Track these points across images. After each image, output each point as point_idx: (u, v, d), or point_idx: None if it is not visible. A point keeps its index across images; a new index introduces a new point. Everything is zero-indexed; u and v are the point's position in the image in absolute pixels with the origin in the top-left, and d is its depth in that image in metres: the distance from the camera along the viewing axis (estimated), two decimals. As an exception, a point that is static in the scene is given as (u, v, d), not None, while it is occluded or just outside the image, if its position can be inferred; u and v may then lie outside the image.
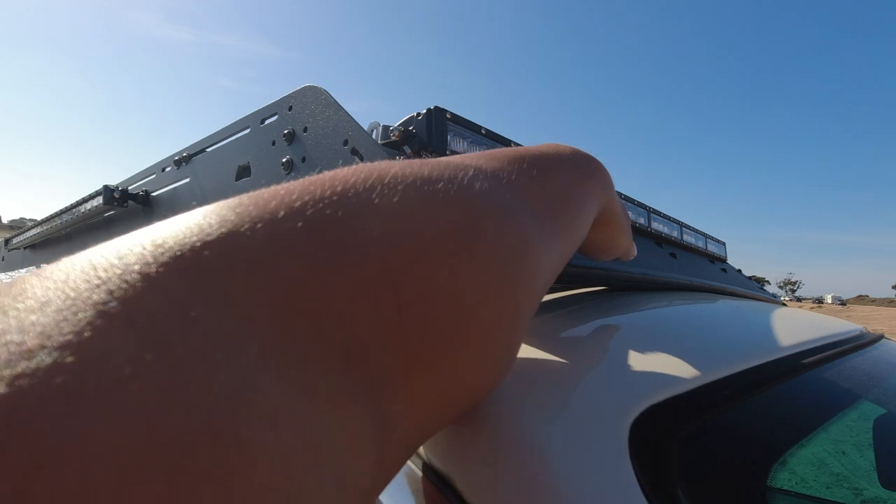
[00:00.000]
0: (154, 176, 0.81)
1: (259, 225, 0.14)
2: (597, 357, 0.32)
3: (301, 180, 0.17)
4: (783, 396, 0.41)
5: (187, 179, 0.71)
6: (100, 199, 0.86)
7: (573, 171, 0.29)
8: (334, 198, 0.16)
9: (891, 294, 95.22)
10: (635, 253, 0.43)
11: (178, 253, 0.13)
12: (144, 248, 0.13)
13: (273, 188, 0.17)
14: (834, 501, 0.40)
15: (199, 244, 0.13)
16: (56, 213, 1.12)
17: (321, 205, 0.16)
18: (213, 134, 0.68)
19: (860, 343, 0.61)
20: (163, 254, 0.13)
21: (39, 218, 1.31)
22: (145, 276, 0.12)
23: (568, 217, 0.26)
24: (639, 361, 0.32)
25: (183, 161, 0.72)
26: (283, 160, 0.53)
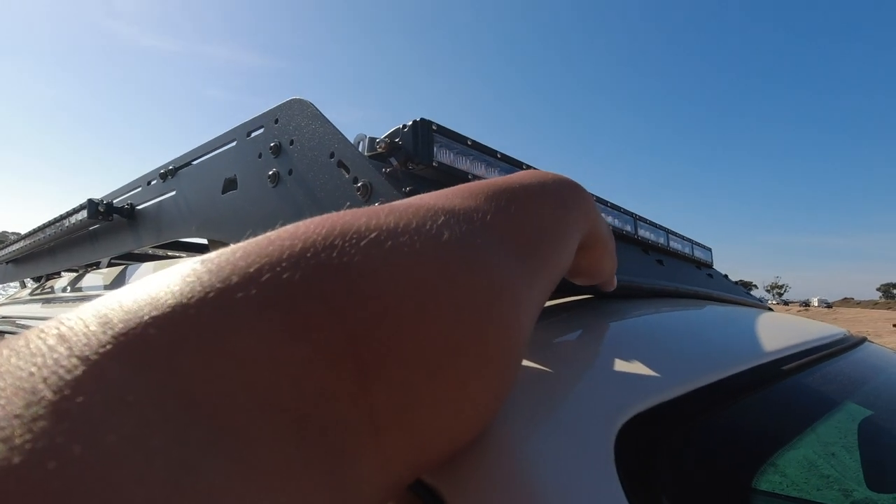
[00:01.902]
0: (139, 189, 0.80)
1: (210, 295, 0.14)
2: (582, 365, 0.32)
3: (263, 238, 0.17)
4: (768, 402, 0.42)
5: (173, 192, 0.71)
6: (84, 213, 0.85)
7: (554, 203, 0.29)
8: (291, 260, 0.15)
9: (875, 296, 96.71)
10: (615, 284, 0.43)
11: (122, 332, 0.12)
12: (88, 328, 0.12)
13: (238, 246, 0.16)
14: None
15: (146, 319, 0.13)
16: (40, 226, 1.10)
17: (277, 269, 0.15)
18: (199, 147, 0.67)
19: (844, 346, 0.62)
20: (105, 333, 0.12)
21: (23, 232, 1.29)
22: (83, 361, 0.11)
23: (549, 249, 0.26)
24: (624, 369, 0.32)
25: (169, 174, 0.72)
26: (270, 173, 0.53)
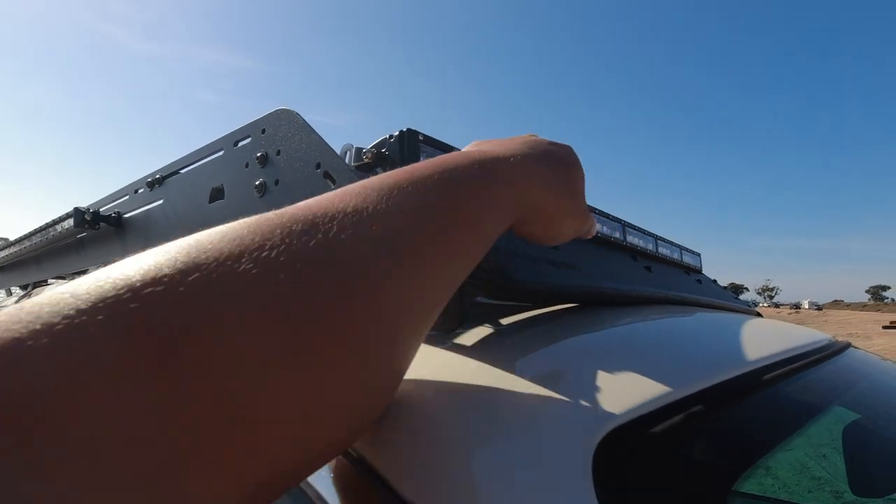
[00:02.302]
0: (127, 197, 0.80)
1: (38, 327, 0.14)
2: (558, 377, 0.32)
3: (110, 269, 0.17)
4: (752, 411, 0.42)
5: (160, 201, 0.70)
6: (71, 222, 0.85)
7: (468, 184, 0.28)
8: (128, 294, 0.16)
9: (864, 298, 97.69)
10: (595, 228, 0.43)
11: None
12: None
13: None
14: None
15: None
16: (26, 234, 1.09)
17: (116, 299, 0.15)
18: (187, 155, 0.67)
19: (828, 353, 0.62)
20: None
21: (10, 238, 1.27)
22: None
23: (446, 237, 0.25)
24: (604, 380, 0.32)
25: (156, 182, 0.71)
26: (257, 183, 0.53)
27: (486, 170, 0.30)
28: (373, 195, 0.23)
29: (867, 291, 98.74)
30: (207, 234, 0.19)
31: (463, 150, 0.36)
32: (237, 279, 0.17)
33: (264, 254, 0.18)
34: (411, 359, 0.24)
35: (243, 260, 0.17)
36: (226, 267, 0.17)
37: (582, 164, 0.39)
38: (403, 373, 0.24)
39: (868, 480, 0.51)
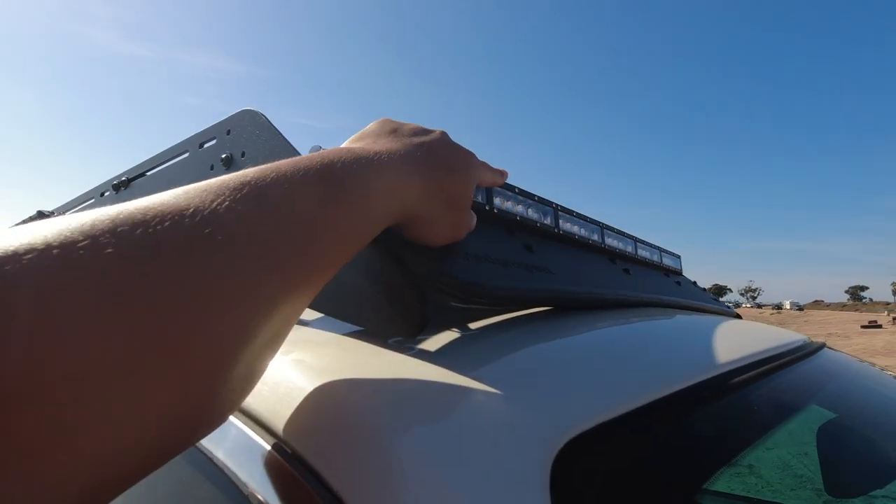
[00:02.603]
0: (92, 201, 0.78)
1: None
2: (520, 384, 0.31)
3: None
4: (725, 412, 0.41)
5: None
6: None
7: (319, 191, 0.25)
8: None
9: (843, 298, 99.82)
10: (472, 224, 0.40)
11: None
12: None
13: None
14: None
15: None
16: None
17: None
18: (153, 157, 0.66)
19: (803, 353, 0.62)
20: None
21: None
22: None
23: (294, 249, 0.23)
24: (568, 387, 0.31)
25: (122, 185, 0.69)
26: (221, 185, 0.51)
27: (350, 163, 0.28)
28: (210, 196, 0.22)
29: (846, 292, 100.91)
30: (65, 219, 0.18)
31: (330, 149, 0.32)
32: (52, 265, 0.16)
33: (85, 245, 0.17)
34: (247, 373, 0.22)
35: (68, 250, 0.17)
36: (48, 254, 0.16)
37: (467, 164, 0.37)
38: (235, 385, 0.22)
39: (841, 478, 0.51)
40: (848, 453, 0.57)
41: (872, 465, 0.55)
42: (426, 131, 0.37)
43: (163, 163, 0.63)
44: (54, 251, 0.16)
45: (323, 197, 0.25)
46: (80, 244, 0.17)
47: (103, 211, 0.19)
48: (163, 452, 0.20)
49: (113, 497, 0.19)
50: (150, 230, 0.19)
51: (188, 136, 0.59)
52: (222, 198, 0.21)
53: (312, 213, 0.24)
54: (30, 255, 0.16)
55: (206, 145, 0.56)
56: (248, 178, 0.23)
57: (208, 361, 0.20)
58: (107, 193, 0.74)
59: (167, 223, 0.19)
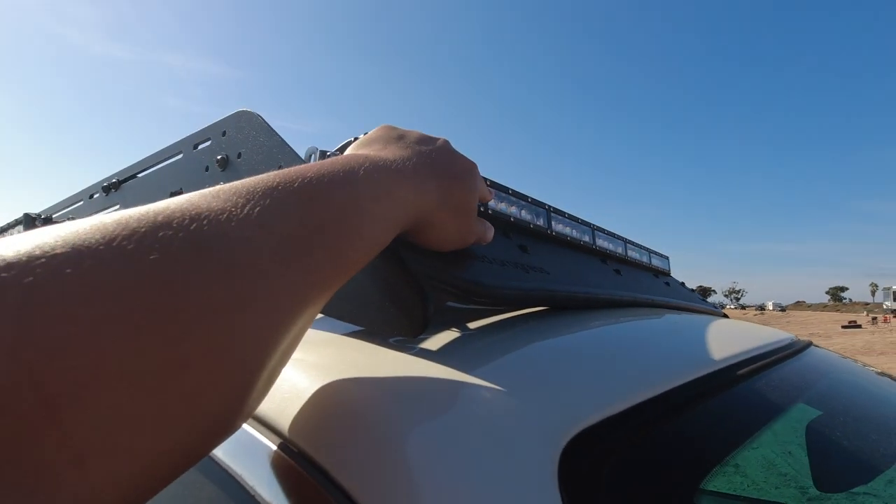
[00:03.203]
0: (81, 203, 0.76)
1: None
2: (524, 381, 0.31)
3: None
4: (720, 409, 0.42)
5: (117, 207, 0.67)
6: (20, 228, 0.81)
7: (347, 196, 0.26)
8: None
9: (824, 299, 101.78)
10: (489, 237, 0.41)
11: None
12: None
13: None
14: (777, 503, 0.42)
15: None
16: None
17: None
18: (145, 159, 0.65)
19: (791, 351, 0.64)
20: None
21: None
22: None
23: (319, 251, 0.23)
24: (571, 383, 0.31)
25: (112, 187, 0.68)
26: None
27: (374, 170, 0.29)
28: (236, 199, 0.22)
29: (827, 293, 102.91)
30: (84, 222, 0.18)
31: (348, 154, 0.33)
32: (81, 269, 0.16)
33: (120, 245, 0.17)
34: (262, 377, 0.22)
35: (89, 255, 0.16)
36: (73, 259, 0.16)
37: (471, 173, 0.37)
38: (252, 390, 0.21)
39: (831, 475, 0.53)
40: (838, 449, 0.58)
41: (861, 461, 0.56)
42: (431, 139, 0.37)
43: (155, 164, 0.62)
44: (86, 260, 0.16)
45: (348, 203, 0.26)
46: (122, 244, 0.17)
47: (133, 212, 0.19)
48: (188, 460, 0.20)
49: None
50: (189, 231, 0.19)
51: (181, 138, 0.59)
52: (253, 202, 0.22)
53: (338, 218, 0.25)
54: (69, 267, 0.16)
55: (200, 147, 0.56)
56: (275, 183, 0.23)
57: (246, 362, 0.20)
58: (96, 196, 0.73)
59: (205, 224, 0.19)
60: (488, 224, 0.41)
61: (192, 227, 0.19)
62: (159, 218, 0.19)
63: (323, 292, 0.24)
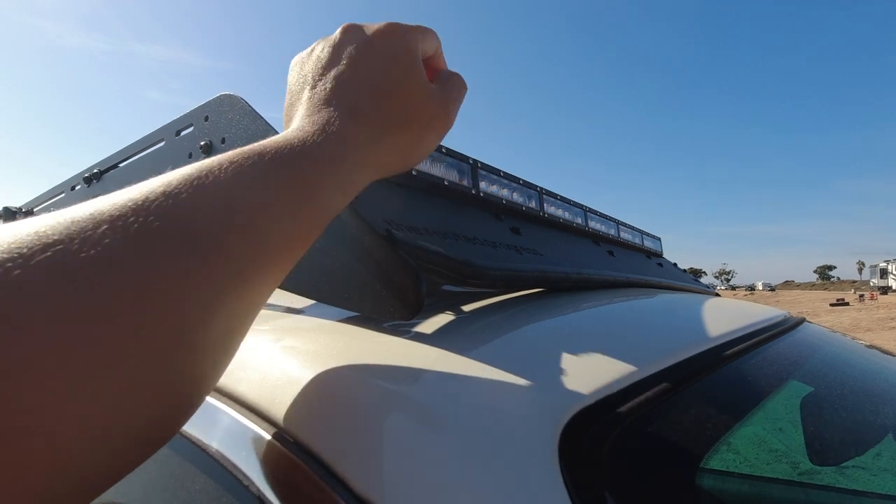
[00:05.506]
0: (62, 195, 0.74)
1: None
2: (522, 362, 0.31)
3: None
4: (718, 384, 0.42)
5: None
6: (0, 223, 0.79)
7: (264, 180, 0.23)
8: None
9: (812, 278, 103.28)
10: (462, 89, 0.35)
11: None
12: None
13: None
14: (771, 478, 0.42)
15: None
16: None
17: None
18: (126, 147, 0.63)
19: (785, 327, 0.64)
20: None
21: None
22: None
23: (240, 237, 0.22)
24: (568, 363, 0.31)
25: (94, 178, 0.67)
26: (201, 173, 0.49)
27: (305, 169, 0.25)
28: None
29: (815, 272, 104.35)
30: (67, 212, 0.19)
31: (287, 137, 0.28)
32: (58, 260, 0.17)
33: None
34: (218, 353, 0.21)
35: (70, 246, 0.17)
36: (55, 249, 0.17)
37: (395, 53, 0.30)
38: (208, 371, 0.21)
39: (822, 450, 0.53)
40: (829, 425, 0.58)
41: (851, 436, 0.57)
42: (332, 58, 0.31)
43: (137, 153, 0.61)
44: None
45: (273, 187, 0.24)
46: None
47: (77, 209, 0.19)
48: (151, 438, 0.19)
49: (97, 494, 0.18)
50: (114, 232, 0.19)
51: (163, 125, 0.57)
52: (174, 189, 0.21)
53: (258, 201, 0.23)
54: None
55: (182, 133, 0.54)
56: (203, 169, 0.23)
57: (165, 339, 0.19)
58: (78, 187, 0.71)
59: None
60: (454, 78, 0.35)
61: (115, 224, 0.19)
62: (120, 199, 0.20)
63: (257, 272, 0.22)
